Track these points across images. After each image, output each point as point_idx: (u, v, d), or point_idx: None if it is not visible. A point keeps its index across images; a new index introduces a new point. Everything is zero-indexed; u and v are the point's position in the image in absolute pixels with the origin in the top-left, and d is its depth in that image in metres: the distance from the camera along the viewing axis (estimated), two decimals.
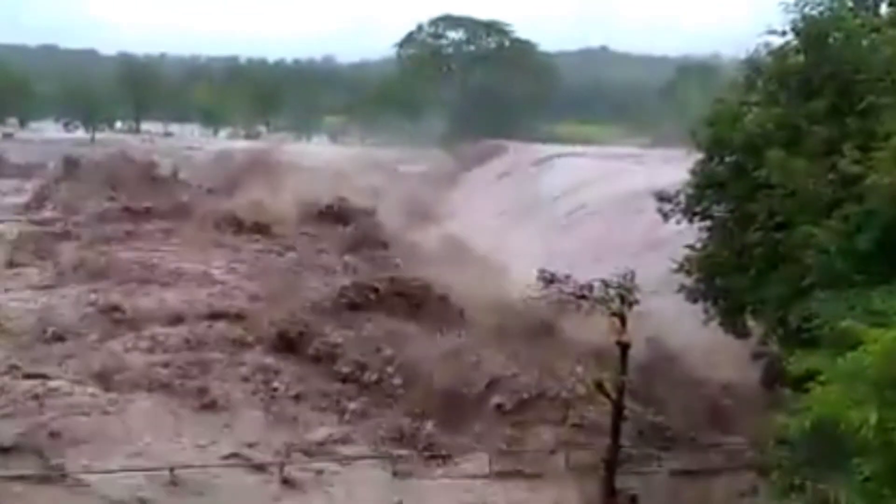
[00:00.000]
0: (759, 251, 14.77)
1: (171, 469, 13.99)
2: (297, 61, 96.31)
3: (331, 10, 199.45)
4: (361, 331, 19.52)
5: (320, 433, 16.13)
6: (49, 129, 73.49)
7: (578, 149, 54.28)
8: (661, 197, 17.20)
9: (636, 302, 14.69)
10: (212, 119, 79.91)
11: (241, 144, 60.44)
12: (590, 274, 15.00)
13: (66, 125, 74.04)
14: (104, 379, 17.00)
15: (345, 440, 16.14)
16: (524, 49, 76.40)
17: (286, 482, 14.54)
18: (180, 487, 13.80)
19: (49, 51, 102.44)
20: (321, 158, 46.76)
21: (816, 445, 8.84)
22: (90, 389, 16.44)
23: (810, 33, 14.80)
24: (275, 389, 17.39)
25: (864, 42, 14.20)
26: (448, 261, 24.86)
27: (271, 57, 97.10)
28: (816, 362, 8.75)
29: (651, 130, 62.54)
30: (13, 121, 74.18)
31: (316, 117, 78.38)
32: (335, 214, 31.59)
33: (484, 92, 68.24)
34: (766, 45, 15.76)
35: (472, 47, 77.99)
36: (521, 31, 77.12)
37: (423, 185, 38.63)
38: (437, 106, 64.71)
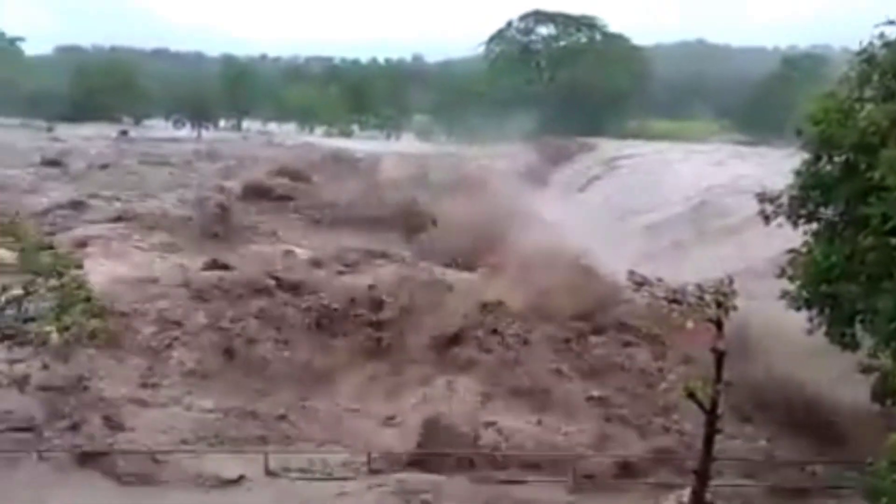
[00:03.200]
0: (871, 257, 13.80)
1: None
2: (388, 61, 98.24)
3: (422, 9, 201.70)
4: None
5: None
6: (159, 127, 78.38)
7: (667, 146, 52.72)
8: (764, 198, 16.37)
9: (734, 308, 14.09)
10: (307, 118, 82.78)
11: (357, 144, 62.38)
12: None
13: (175, 123, 78.83)
14: None
15: None
16: (616, 43, 74.56)
17: None
18: None
19: (160, 54, 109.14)
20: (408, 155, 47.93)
21: None
22: None
23: None
24: None
25: None
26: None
27: (364, 57, 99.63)
28: None
29: (752, 127, 59.68)
30: (128, 119, 79.57)
31: (405, 116, 79.70)
32: None
33: (573, 88, 67.16)
34: (882, 36, 14.69)
35: (562, 43, 76.88)
36: (615, 25, 75.49)
37: (511, 182, 38.01)
38: (525, 103, 64.18)
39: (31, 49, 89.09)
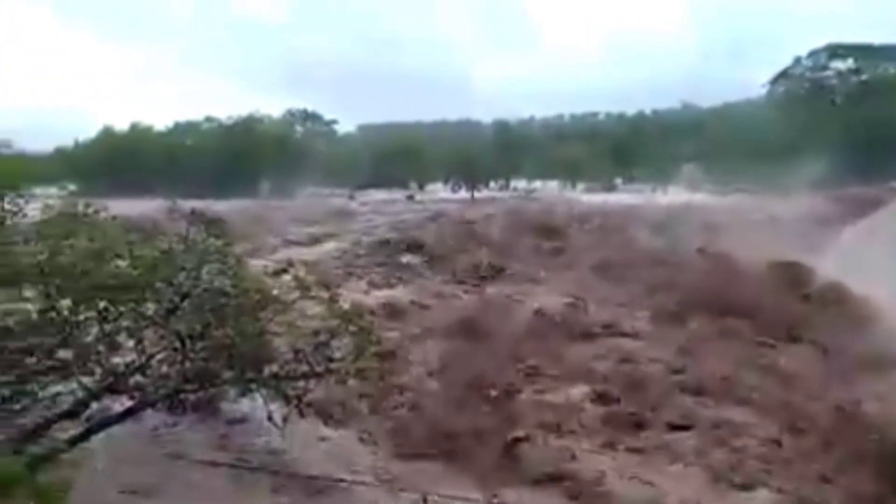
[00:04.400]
0: None
1: None
2: (655, 112, 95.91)
3: (690, 53, 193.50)
4: None
5: None
6: (440, 191, 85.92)
7: None
8: None
9: None
10: (570, 174, 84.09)
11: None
12: None
13: (452, 187, 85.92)
14: None
15: None
16: None
17: None
18: None
19: (440, 125, 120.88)
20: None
21: None
22: None
23: None
24: None
25: None
26: None
27: (630, 109, 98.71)
28: None
29: None
30: (413, 185, 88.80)
31: (673, 167, 76.38)
32: None
33: (874, 127, 58.07)
34: None
35: (863, 77, 67.44)
36: None
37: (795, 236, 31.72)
38: (815, 146, 56.99)
39: (340, 128, 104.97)
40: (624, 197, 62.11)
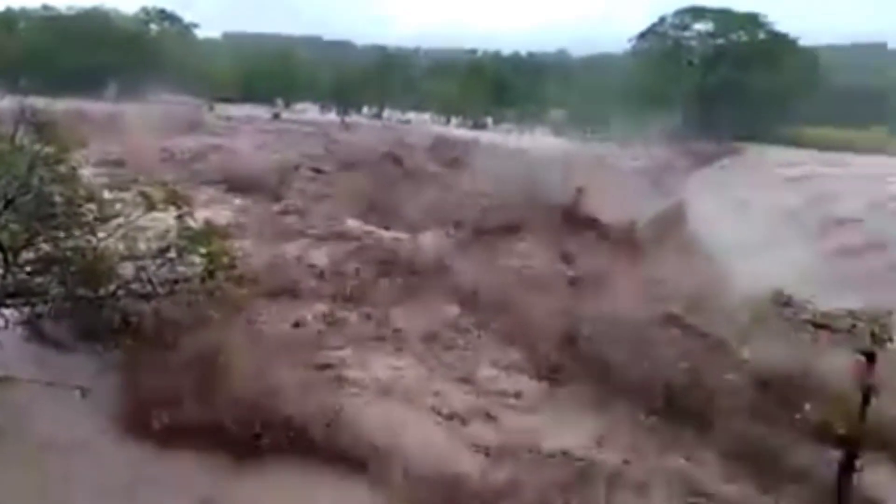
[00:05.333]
0: None
1: None
2: (531, 55, 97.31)
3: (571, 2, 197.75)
4: None
5: None
6: (308, 111, 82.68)
7: (830, 156, 48.01)
8: None
9: (890, 340, 12.36)
10: (445, 109, 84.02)
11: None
12: None
13: (322, 108, 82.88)
14: None
15: None
16: (780, 43, 68.84)
17: None
18: None
19: (313, 41, 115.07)
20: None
21: None
22: None
23: None
24: None
25: None
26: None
27: (507, 49, 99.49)
28: None
29: None
30: (280, 102, 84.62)
31: (542, 110, 78.59)
32: None
33: (726, 89, 62.88)
34: None
35: (719, 40, 72.21)
36: (783, 24, 69.66)
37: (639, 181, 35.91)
38: (671, 102, 60.93)
39: (202, 33, 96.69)
40: (496, 136, 63.27)
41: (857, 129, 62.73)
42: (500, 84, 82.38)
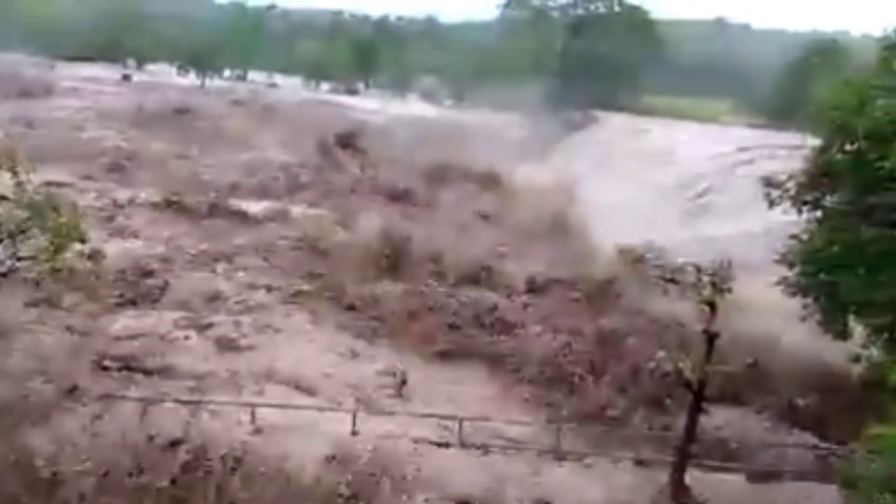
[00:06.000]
0: (872, 248, 13.72)
1: None
2: (400, 19, 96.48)
3: None
4: None
5: None
6: (162, 73, 76.99)
7: (673, 123, 52.64)
8: (769, 182, 16.17)
9: (729, 290, 14.05)
10: (314, 72, 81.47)
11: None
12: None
13: (178, 69, 77.30)
14: None
15: None
16: (634, 15, 72.90)
17: None
18: None
19: None
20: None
21: None
22: None
23: None
24: None
25: None
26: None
27: (376, 12, 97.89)
28: None
29: (767, 111, 58.89)
30: (131, 62, 78.14)
31: (413, 76, 78.40)
32: None
33: (585, 59, 65.94)
34: None
35: (579, 11, 75.16)
36: None
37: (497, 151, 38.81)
38: (536, 70, 63.07)
39: None
40: (363, 102, 62.61)
41: (707, 100, 68.24)
42: (369, 48, 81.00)
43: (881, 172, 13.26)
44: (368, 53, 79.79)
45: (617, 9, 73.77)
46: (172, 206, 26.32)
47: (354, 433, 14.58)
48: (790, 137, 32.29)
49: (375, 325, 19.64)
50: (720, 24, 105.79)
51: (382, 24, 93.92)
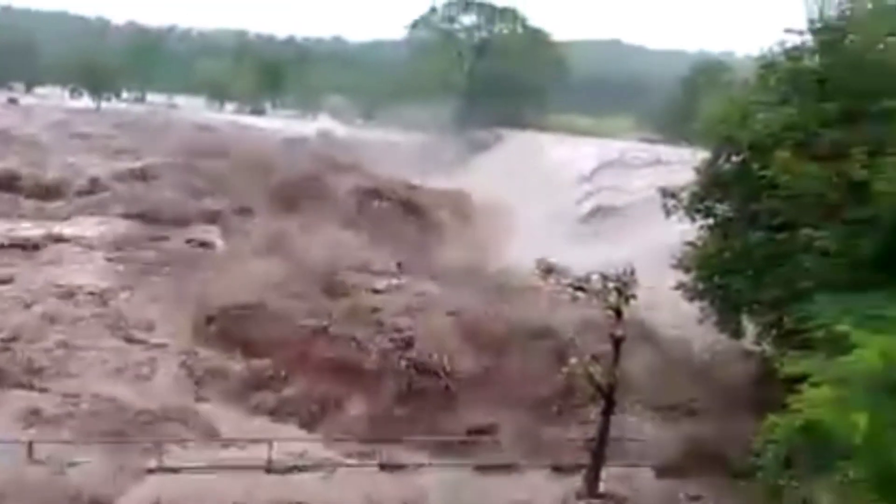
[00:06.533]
0: (759, 252, 14.72)
1: None
2: (306, 39, 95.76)
3: None
4: None
5: None
6: (54, 96, 73.02)
7: (573, 139, 54.88)
8: (665, 193, 17.13)
9: (633, 297, 14.65)
10: (217, 93, 79.45)
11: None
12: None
13: (72, 92, 73.51)
14: None
15: None
16: (536, 37, 75.52)
17: None
18: None
19: (59, 17, 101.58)
20: None
21: (803, 448, 8.79)
22: None
23: (827, 34, 14.66)
24: None
25: (882, 46, 14.06)
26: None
27: (281, 33, 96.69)
28: (809, 365, 8.70)
29: (660, 126, 62.17)
30: (19, 85, 73.70)
31: (321, 96, 77.85)
32: None
33: (491, 79, 67.68)
34: (782, 43, 15.63)
35: (483, 33, 77.13)
36: (536, 19, 76.38)
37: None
38: (444, 91, 64.18)
39: None
40: (273, 123, 61.55)
41: (606, 118, 71.28)
42: (275, 68, 79.74)
43: (763, 181, 14.31)
44: (275, 73, 78.52)
45: (520, 31, 76.21)
46: None
47: None
48: (678, 151, 34.62)
49: None
50: (616, 45, 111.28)
51: (289, 44, 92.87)
